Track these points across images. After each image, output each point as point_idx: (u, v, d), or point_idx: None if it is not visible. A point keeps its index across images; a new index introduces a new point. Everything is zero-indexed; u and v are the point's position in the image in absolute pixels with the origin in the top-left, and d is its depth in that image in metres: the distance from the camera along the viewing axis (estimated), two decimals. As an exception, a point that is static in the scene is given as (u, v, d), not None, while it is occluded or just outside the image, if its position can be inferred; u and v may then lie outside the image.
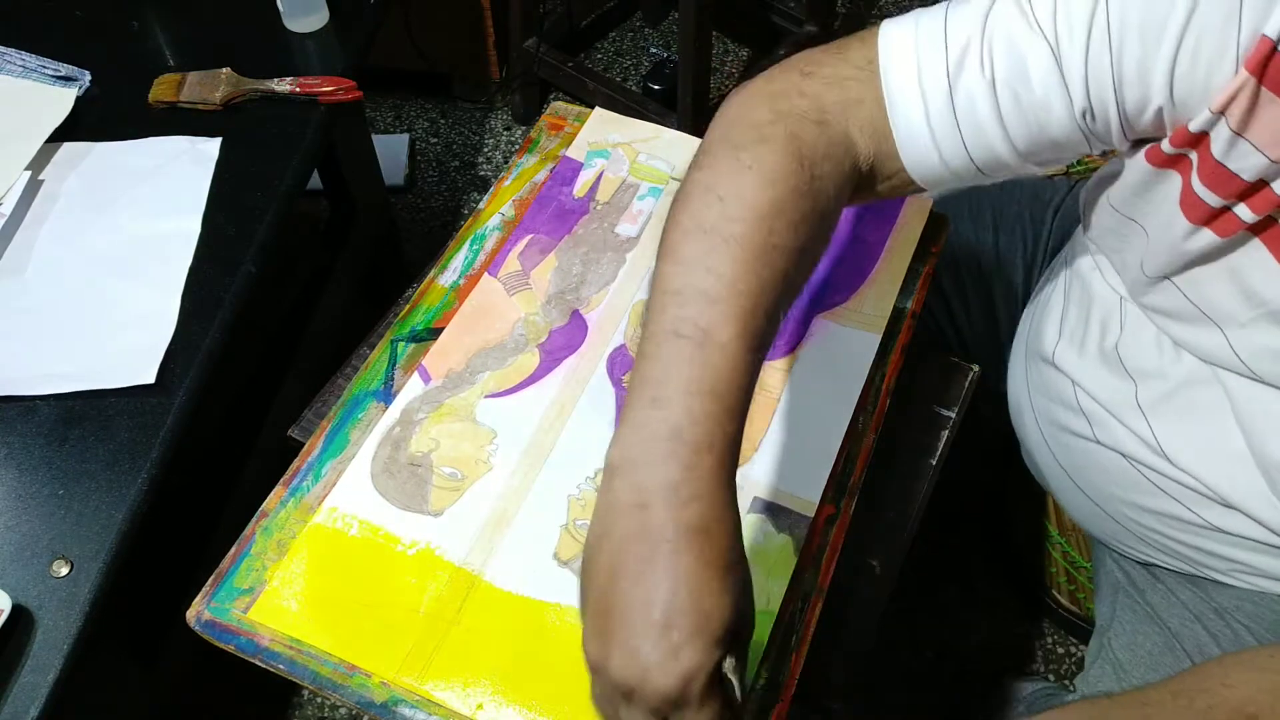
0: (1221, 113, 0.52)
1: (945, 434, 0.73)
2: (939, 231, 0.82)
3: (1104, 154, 0.63)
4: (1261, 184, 0.53)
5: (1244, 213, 0.55)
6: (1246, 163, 0.53)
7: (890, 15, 0.63)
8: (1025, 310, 0.89)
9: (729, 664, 0.45)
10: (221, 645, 0.63)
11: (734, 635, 0.45)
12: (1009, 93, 0.56)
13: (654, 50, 1.93)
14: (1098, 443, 0.73)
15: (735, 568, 0.46)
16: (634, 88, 1.81)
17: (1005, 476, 1.18)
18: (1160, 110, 0.54)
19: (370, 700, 0.61)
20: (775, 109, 0.58)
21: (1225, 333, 0.61)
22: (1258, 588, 0.72)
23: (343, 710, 1.18)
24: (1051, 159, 0.60)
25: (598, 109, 0.91)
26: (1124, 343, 0.69)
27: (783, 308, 0.54)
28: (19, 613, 0.66)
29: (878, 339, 0.75)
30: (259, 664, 0.62)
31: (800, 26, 1.68)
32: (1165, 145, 0.56)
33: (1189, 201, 0.57)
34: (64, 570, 0.68)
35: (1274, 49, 0.48)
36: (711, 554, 0.45)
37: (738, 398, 0.49)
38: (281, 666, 0.62)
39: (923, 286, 0.79)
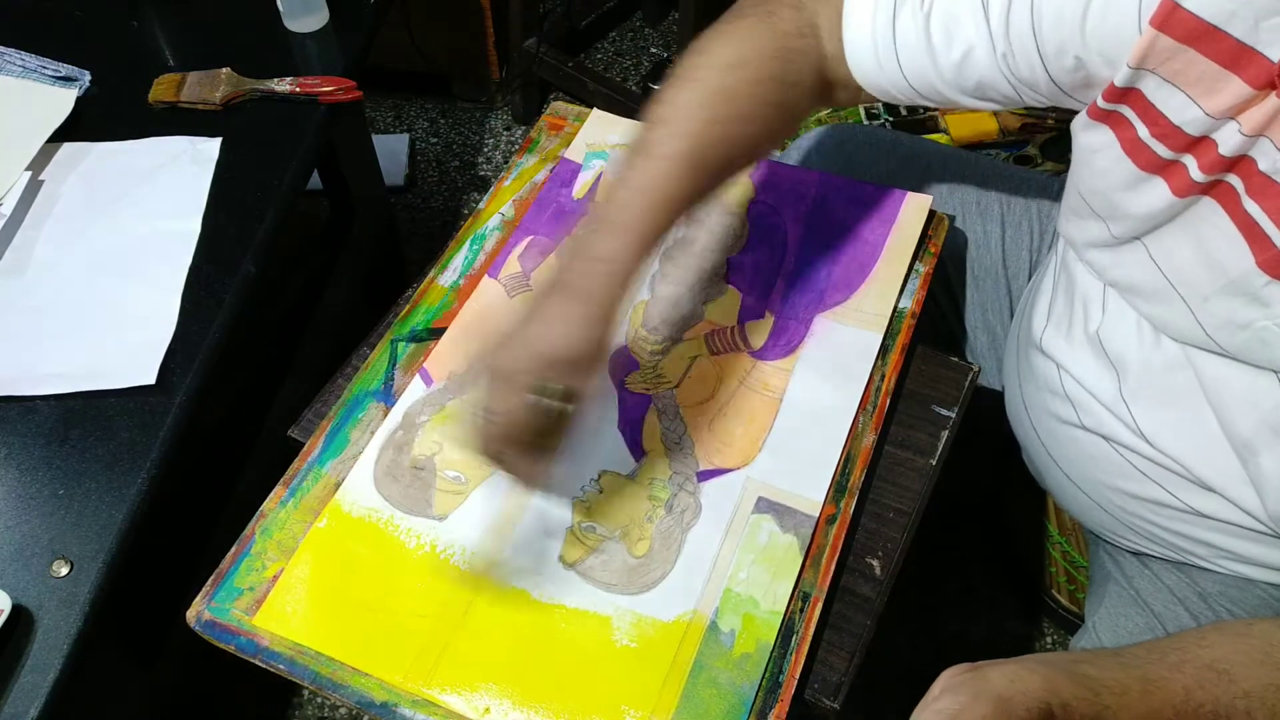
0: (1140, 67, 0.55)
1: (945, 434, 0.73)
2: (939, 231, 0.82)
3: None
4: (1207, 140, 0.56)
5: (1194, 169, 0.57)
6: (1187, 115, 0.55)
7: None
8: (1020, 300, 0.89)
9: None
10: (221, 645, 0.63)
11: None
12: (941, 29, 0.63)
13: (654, 50, 1.93)
14: (1083, 428, 0.74)
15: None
16: (634, 88, 1.81)
17: (1005, 476, 1.18)
18: (1080, 60, 0.58)
19: (370, 700, 0.61)
20: None
21: (1191, 307, 0.62)
22: (1239, 574, 0.72)
23: (343, 710, 1.18)
24: (992, 97, 0.65)
25: (595, 110, 0.91)
26: (1105, 328, 0.71)
27: (737, 146, 0.63)
28: (19, 613, 0.66)
29: (879, 337, 0.75)
30: (259, 664, 0.62)
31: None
32: (1100, 100, 0.59)
33: (1136, 150, 0.60)
34: (64, 570, 0.68)
35: (1175, 6, 0.52)
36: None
37: (665, 194, 0.60)
38: (281, 666, 0.62)
39: (923, 286, 0.79)
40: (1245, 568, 0.72)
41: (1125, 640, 0.76)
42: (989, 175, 0.94)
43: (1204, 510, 0.69)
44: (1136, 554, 0.79)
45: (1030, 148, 1.41)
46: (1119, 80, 0.57)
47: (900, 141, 0.97)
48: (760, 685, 0.61)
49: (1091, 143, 0.63)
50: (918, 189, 0.83)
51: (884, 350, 0.75)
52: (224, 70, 0.97)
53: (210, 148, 0.93)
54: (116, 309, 0.82)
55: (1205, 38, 0.52)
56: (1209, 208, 0.58)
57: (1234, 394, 0.63)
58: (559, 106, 0.93)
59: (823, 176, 0.85)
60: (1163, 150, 0.58)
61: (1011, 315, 0.92)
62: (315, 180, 1.10)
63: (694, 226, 0.82)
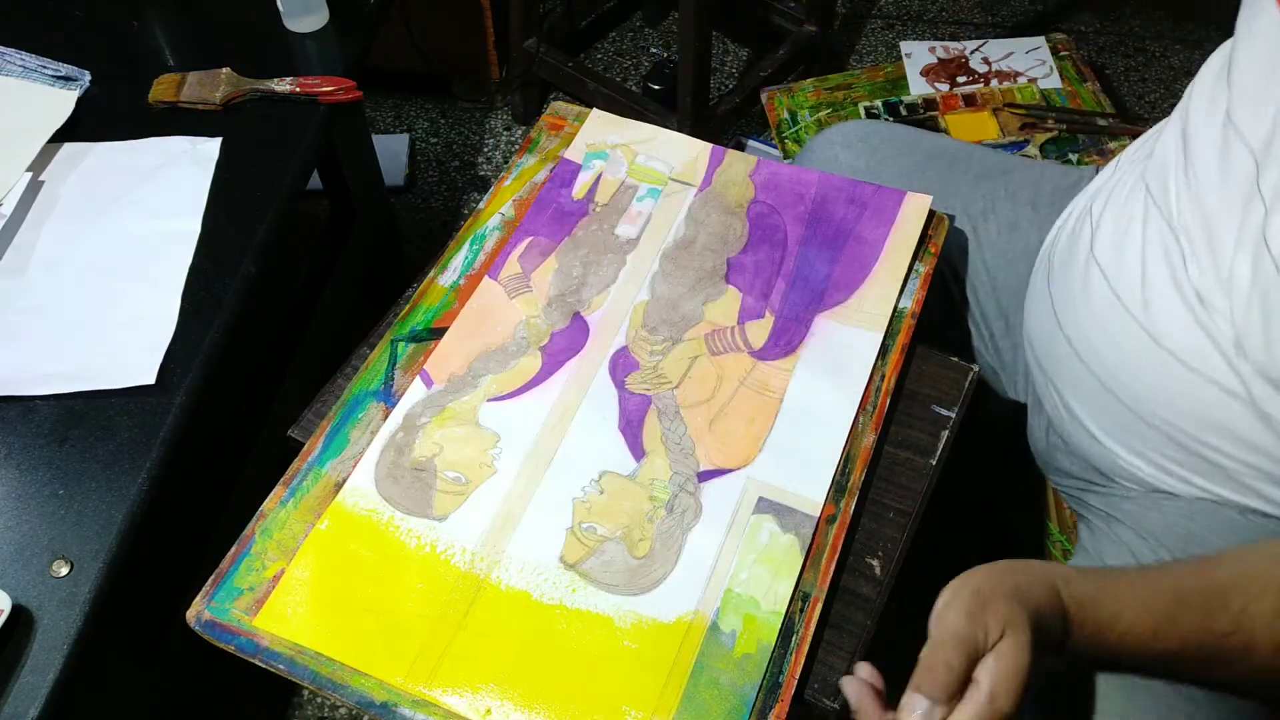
0: None
1: (945, 434, 0.73)
2: (939, 231, 0.82)
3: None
4: None
5: None
6: None
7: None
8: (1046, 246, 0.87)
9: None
10: (221, 645, 0.63)
11: None
12: None
13: (654, 50, 1.93)
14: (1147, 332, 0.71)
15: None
16: (634, 88, 1.81)
17: (1005, 476, 1.18)
18: None
19: (370, 700, 0.61)
20: None
21: None
22: (1248, 463, 0.70)
23: (343, 710, 1.18)
24: None
25: (595, 110, 0.91)
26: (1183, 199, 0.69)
27: None
28: (19, 613, 0.66)
29: (880, 337, 0.75)
30: (259, 664, 0.62)
31: (800, 26, 1.68)
32: None
33: None
34: (64, 570, 0.68)
35: None
36: None
37: None
38: (281, 666, 0.62)
39: (923, 286, 0.79)
40: (1254, 456, 0.69)
41: None
42: (1012, 166, 0.94)
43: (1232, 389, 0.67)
44: (1118, 501, 0.78)
45: (1030, 148, 1.41)
46: None
47: (923, 137, 0.97)
48: (760, 686, 0.61)
49: None
50: (943, 182, 0.83)
51: (884, 350, 0.75)
52: (224, 70, 0.97)
53: (210, 148, 0.93)
54: (116, 309, 0.82)
55: None
56: None
57: None
58: (559, 106, 0.93)
59: (822, 176, 0.85)
60: None
61: (1049, 292, 0.91)
62: (315, 180, 1.10)
63: (694, 226, 0.82)
